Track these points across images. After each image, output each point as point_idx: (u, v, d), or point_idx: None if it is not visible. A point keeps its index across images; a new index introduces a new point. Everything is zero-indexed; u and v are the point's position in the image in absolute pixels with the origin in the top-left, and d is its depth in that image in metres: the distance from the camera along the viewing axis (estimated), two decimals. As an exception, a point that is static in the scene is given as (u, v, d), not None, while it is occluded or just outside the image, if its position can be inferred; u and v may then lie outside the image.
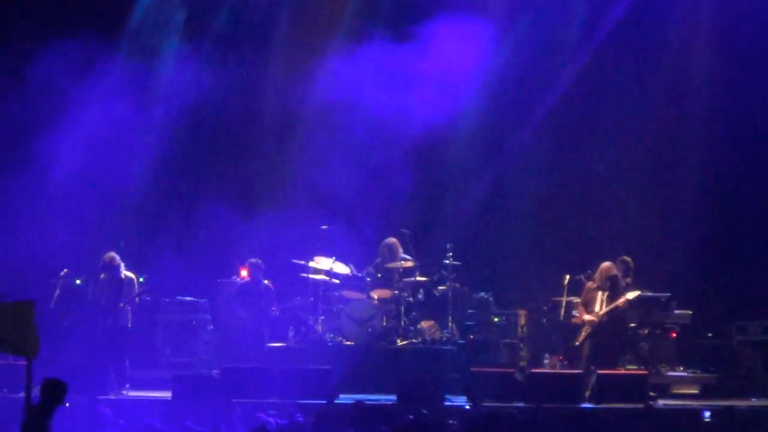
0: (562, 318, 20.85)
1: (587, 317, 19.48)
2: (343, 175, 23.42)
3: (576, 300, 20.93)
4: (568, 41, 23.28)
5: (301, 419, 14.43)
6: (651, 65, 23.17)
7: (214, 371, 19.86)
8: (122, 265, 20.04)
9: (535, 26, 23.27)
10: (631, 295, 19.41)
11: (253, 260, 21.49)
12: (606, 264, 19.67)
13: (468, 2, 23.05)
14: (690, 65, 23.01)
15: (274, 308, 21.39)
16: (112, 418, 14.39)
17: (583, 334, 19.54)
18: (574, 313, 19.97)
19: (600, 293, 19.49)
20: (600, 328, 19.39)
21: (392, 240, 21.92)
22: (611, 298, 19.41)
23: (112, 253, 20.12)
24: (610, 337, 19.40)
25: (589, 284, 19.81)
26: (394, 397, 18.54)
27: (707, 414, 16.74)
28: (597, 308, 19.46)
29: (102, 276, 20.09)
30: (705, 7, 22.99)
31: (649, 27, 23.03)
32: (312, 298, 21.59)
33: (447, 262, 21.65)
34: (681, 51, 23.04)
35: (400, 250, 21.85)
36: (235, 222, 23.20)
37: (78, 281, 20.66)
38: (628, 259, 20.70)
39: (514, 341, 21.47)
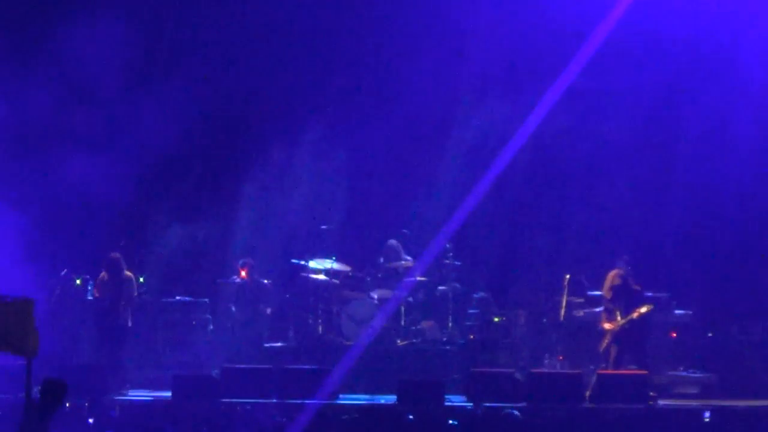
0: (562, 318, 20.85)
1: (607, 325, 19.53)
2: (343, 175, 23.42)
3: (578, 300, 20.95)
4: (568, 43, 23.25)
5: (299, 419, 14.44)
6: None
7: (214, 371, 19.85)
8: (125, 265, 20.07)
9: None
10: (644, 308, 19.45)
11: (248, 260, 21.45)
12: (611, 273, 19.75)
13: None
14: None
15: (269, 309, 21.36)
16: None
17: (605, 341, 19.59)
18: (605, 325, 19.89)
19: None
20: (621, 334, 19.44)
21: (394, 242, 21.95)
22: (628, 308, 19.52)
23: (117, 254, 20.14)
24: (632, 342, 19.47)
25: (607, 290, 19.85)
26: (394, 397, 18.55)
27: (707, 414, 16.74)
28: (618, 316, 19.53)
29: (103, 275, 20.08)
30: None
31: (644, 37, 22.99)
32: (312, 298, 21.59)
33: (447, 262, 21.65)
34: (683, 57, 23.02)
35: (402, 251, 21.86)
36: (236, 222, 23.19)
37: (78, 281, 20.63)
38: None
39: (514, 341, 21.45)
